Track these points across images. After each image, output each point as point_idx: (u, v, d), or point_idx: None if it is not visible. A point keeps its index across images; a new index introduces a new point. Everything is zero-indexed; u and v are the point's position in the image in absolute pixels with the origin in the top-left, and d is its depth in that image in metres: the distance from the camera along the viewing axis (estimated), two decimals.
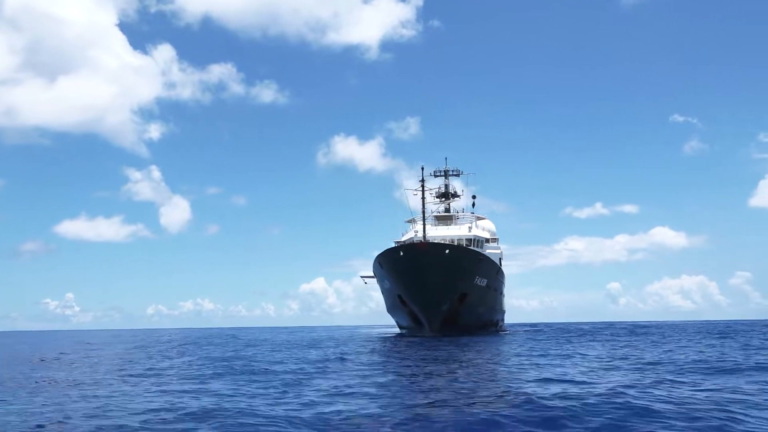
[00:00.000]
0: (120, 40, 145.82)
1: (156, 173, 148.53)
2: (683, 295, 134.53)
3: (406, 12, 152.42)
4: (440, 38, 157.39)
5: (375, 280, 67.22)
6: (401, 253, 37.11)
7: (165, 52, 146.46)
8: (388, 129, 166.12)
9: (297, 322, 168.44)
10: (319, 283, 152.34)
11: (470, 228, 49.08)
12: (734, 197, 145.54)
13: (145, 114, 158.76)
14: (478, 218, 51.72)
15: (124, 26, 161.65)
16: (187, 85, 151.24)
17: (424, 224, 38.56)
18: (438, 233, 49.29)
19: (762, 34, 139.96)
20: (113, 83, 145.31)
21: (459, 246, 36.99)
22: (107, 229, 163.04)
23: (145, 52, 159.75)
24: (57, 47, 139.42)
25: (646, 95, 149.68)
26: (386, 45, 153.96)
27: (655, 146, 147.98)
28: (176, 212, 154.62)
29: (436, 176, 57.38)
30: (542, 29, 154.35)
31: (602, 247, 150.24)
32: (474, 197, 54.07)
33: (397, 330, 51.11)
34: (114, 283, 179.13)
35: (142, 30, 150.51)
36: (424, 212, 38.60)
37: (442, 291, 37.61)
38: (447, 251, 36.33)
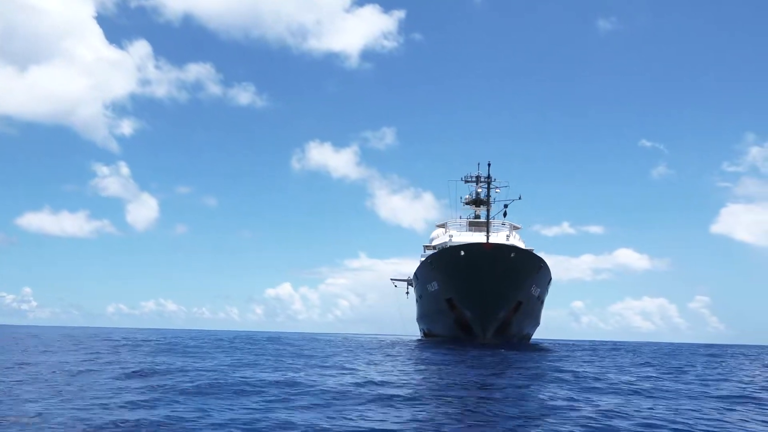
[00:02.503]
0: (96, 32, 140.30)
1: (125, 169, 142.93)
2: (644, 317, 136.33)
3: (389, 24, 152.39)
4: (421, 51, 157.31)
5: (406, 284, 64.96)
6: (462, 253, 34.62)
7: (141, 48, 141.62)
8: (363, 137, 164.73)
9: (261, 326, 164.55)
10: (285, 289, 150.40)
11: (508, 236, 46.93)
12: (697, 223, 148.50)
13: (118, 109, 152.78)
14: (514, 227, 49.55)
15: (102, 19, 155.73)
16: (163, 82, 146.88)
17: (488, 226, 36.21)
18: (473, 239, 47.07)
19: (730, 70, 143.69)
20: (87, 76, 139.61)
21: (525, 250, 34.72)
22: (71, 223, 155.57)
23: (120, 46, 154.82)
24: (31, 36, 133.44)
25: (617, 119, 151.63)
26: (367, 55, 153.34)
27: (623, 169, 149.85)
28: (144, 210, 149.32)
29: (467, 182, 55.33)
30: (521, 47, 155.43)
31: (568, 266, 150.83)
32: (506, 206, 51.80)
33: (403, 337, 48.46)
34: (75, 280, 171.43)
35: (120, 24, 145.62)
36: (489, 212, 36.19)
37: (502, 297, 35.30)
38: (513, 254, 34.04)
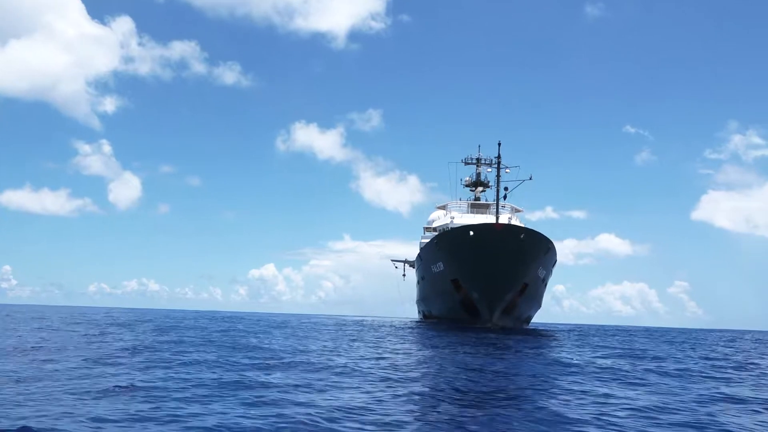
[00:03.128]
0: (78, 7, 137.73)
1: (107, 147, 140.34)
2: (624, 301, 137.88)
3: (376, 5, 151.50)
4: (408, 33, 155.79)
5: (403, 265, 64.53)
6: (471, 233, 34.23)
7: (124, 24, 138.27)
8: (349, 119, 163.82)
9: (244, 307, 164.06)
10: (268, 270, 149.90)
11: (510, 219, 46.63)
12: (678, 209, 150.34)
13: (101, 86, 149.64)
14: (516, 209, 49.30)
15: None
16: (147, 60, 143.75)
17: (497, 207, 35.78)
18: (475, 221, 46.77)
19: (715, 58, 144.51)
20: (68, 52, 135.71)
21: (534, 232, 34.37)
22: (52, 201, 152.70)
23: (103, 22, 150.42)
24: (11, 9, 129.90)
25: (603, 105, 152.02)
26: (354, 35, 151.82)
27: (607, 155, 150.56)
28: (126, 189, 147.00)
29: (467, 164, 54.95)
30: (509, 32, 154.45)
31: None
32: (506, 189, 51.46)
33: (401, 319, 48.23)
34: (56, 258, 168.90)
35: None
36: (498, 193, 35.74)
37: (509, 278, 35.04)
38: (522, 236, 33.73)
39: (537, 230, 35.15)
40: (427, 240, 50.81)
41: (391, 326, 41.28)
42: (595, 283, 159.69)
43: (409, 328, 37.71)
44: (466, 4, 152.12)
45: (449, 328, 33.92)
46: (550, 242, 35.97)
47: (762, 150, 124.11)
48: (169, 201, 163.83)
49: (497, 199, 35.76)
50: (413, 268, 56.86)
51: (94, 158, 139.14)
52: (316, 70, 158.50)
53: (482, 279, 34.75)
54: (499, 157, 35.53)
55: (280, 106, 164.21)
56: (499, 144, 35.96)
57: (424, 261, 40.86)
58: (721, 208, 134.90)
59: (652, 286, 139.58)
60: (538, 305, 43.95)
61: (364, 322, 47.71)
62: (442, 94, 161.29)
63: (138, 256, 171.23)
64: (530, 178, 36.42)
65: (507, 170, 35.54)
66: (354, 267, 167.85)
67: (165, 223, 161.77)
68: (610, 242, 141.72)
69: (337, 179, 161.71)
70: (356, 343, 20.06)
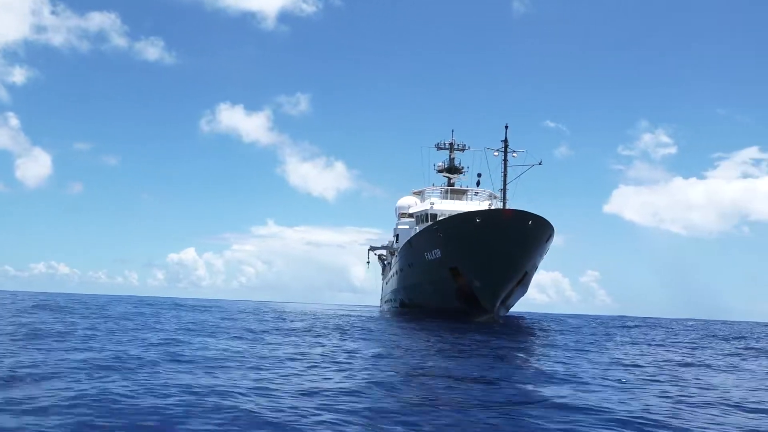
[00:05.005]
0: None
1: (14, 121, 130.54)
2: (539, 289, 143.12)
3: None
4: (340, 17, 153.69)
5: (370, 252, 62.23)
6: (478, 220, 32.75)
7: None
8: (277, 102, 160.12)
9: (161, 292, 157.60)
10: (188, 254, 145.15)
11: (490, 205, 45.69)
12: (592, 202, 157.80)
13: (9, 55, 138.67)
14: (493, 195, 48.25)
15: None
16: (61, 30, 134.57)
17: (504, 190, 34.45)
18: (456, 207, 45.50)
19: (630, 58, 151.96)
20: None
21: (541, 218, 33.27)
22: None
23: None
24: None
25: (526, 98, 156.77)
26: (284, 17, 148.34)
27: (528, 147, 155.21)
28: (35, 166, 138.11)
29: (439, 149, 53.52)
30: (439, 20, 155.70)
31: None
32: (479, 175, 50.51)
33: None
34: None
35: None
36: (505, 179, 34.40)
37: (513, 267, 33.92)
38: (530, 222, 32.61)
39: (542, 216, 34.01)
40: (406, 227, 49.15)
41: (371, 318, 39.30)
42: None
43: (415, 324, 35.92)
44: None
45: (471, 329, 32.48)
46: (553, 229, 35.07)
47: (669, 148, 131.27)
48: (83, 180, 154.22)
49: (504, 184, 34.40)
50: (389, 256, 55.14)
51: (0, 131, 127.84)
52: (244, 50, 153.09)
53: (486, 267, 33.36)
54: (506, 140, 34.18)
55: (206, 86, 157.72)
56: (506, 127, 34.63)
57: (415, 248, 38.99)
58: (630, 202, 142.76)
59: (565, 275, 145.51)
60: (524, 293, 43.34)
61: (315, 314, 45.00)
62: (372, 80, 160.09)
63: (47, 238, 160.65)
64: (539, 163, 35.33)
65: (514, 154, 34.21)
66: (278, 252, 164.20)
67: (77, 203, 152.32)
68: None
69: (263, 163, 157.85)
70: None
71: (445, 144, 52.67)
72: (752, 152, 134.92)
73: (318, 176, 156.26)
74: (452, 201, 46.69)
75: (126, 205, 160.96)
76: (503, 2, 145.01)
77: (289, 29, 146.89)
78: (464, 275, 35.09)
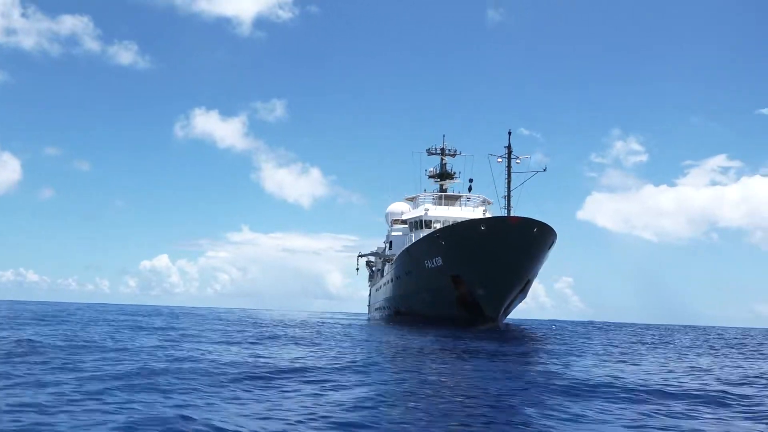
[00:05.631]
0: None
1: None
2: None
3: None
4: (316, 24, 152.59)
5: (359, 260, 61.19)
6: (483, 227, 32.18)
7: None
8: (253, 108, 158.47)
9: (134, 300, 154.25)
10: (161, 261, 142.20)
11: (485, 211, 45.28)
12: (566, 209, 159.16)
13: None
14: (487, 201, 47.77)
15: None
16: (32, 33, 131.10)
17: (509, 197, 33.92)
18: (450, 214, 44.93)
19: (603, 67, 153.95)
20: None
21: (546, 225, 32.82)
22: None
23: None
24: None
25: (499, 106, 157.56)
26: (260, 23, 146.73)
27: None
28: (4, 171, 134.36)
29: (430, 154, 52.90)
30: (414, 29, 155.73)
31: None
32: (471, 180, 49.99)
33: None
34: None
35: None
36: (509, 185, 33.86)
37: (517, 274, 33.46)
38: (535, 229, 32.17)
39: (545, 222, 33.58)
40: (399, 233, 48.40)
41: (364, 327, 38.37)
42: None
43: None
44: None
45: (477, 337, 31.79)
46: (556, 235, 34.68)
47: (640, 156, 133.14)
48: (54, 185, 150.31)
49: (509, 190, 33.84)
50: (380, 263, 54.22)
51: None
52: (219, 55, 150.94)
53: (491, 275, 32.80)
54: (509, 146, 33.70)
55: (180, 91, 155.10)
56: (510, 133, 34.15)
57: (414, 256, 38.21)
58: (602, 209, 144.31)
59: (540, 281, 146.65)
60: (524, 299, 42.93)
61: (308, 323, 44.04)
62: (348, 87, 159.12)
63: (15, 244, 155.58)
64: (544, 170, 34.88)
65: (518, 161, 33.72)
66: (252, 259, 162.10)
67: (48, 209, 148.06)
68: None
69: (238, 169, 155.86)
70: None
71: (436, 149, 52.10)
72: (720, 160, 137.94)
73: (294, 182, 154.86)
74: (446, 207, 46.13)
75: (98, 211, 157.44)
76: (478, 11, 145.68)
77: (265, 35, 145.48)
78: (466, 283, 34.47)
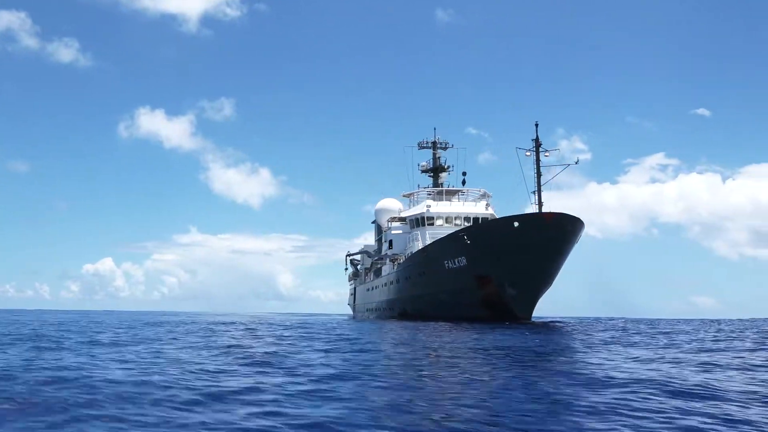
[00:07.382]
0: None
1: None
2: None
3: None
4: (264, 23, 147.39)
5: (348, 259, 58.73)
6: (516, 224, 30.80)
7: None
8: (200, 107, 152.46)
9: (76, 305, 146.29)
10: (105, 264, 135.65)
11: (487, 206, 44.03)
12: (515, 208, 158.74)
13: None
14: (486, 194, 46.47)
15: None
16: None
17: (539, 192, 32.51)
18: (453, 209, 43.46)
19: (546, 67, 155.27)
20: None
21: (578, 220, 31.72)
22: None
23: None
24: None
25: (449, 106, 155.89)
26: (207, 21, 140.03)
27: (451, 154, 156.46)
28: None
29: (421, 148, 51.21)
30: (363, 28, 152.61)
31: None
32: (464, 173, 48.65)
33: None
34: None
35: None
36: (539, 180, 32.51)
37: (549, 272, 32.43)
38: (569, 225, 31.09)
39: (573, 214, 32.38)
40: (399, 231, 46.43)
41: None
42: None
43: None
44: None
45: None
46: (583, 227, 33.56)
47: (584, 154, 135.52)
48: None
49: (539, 184, 32.48)
50: (369, 262, 52.17)
51: None
52: (164, 53, 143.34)
53: (524, 273, 31.50)
54: (537, 139, 32.31)
55: (124, 90, 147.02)
56: (537, 125, 32.78)
57: (432, 256, 36.37)
58: (550, 207, 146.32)
59: None
60: None
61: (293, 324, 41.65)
62: (297, 86, 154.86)
63: None
64: (576, 162, 33.73)
65: (547, 154, 32.42)
66: (201, 261, 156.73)
67: None
68: None
69: (185, 169, 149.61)
70: None
71: (427, 142, 50.48)
72: (659, 158, 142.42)
73: (243, 183, 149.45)
74: (447, 202, 44.60)
75: (37, 214, 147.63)
76: (426, 11, 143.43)
77: (212, 33, 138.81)
78: (495, 282, 33.08)
